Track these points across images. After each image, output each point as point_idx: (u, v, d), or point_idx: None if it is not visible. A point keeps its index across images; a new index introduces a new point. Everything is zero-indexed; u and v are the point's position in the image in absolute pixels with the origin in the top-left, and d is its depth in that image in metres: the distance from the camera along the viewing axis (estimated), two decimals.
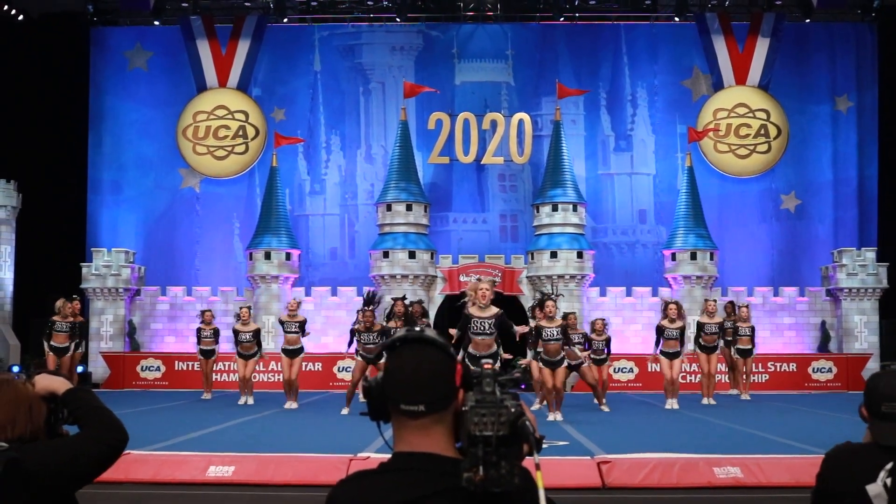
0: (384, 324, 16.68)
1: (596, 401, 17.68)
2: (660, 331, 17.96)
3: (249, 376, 19.19)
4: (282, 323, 18.55)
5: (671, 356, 17.91)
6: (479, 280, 13.77)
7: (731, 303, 22.02)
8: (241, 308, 19.44)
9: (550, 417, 14.90)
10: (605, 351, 18.47)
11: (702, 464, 8.84)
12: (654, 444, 10.28)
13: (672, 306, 17.89)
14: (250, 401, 18.77)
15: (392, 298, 18.22)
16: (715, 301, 20.00)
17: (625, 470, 8.72)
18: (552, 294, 16.32)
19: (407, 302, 17.17)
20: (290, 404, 17.90)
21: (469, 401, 2.19)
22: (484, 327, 13.46)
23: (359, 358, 16.49)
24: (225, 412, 16.38)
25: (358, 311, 17.00)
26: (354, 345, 16.66)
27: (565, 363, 15.67)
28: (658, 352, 18.03)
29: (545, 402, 16.13)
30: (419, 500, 2.20)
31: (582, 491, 8.39)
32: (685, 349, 18.32)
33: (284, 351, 18.31)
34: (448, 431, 2.28)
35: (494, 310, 13.62)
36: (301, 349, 18.35)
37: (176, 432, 11.83)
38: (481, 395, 2.19)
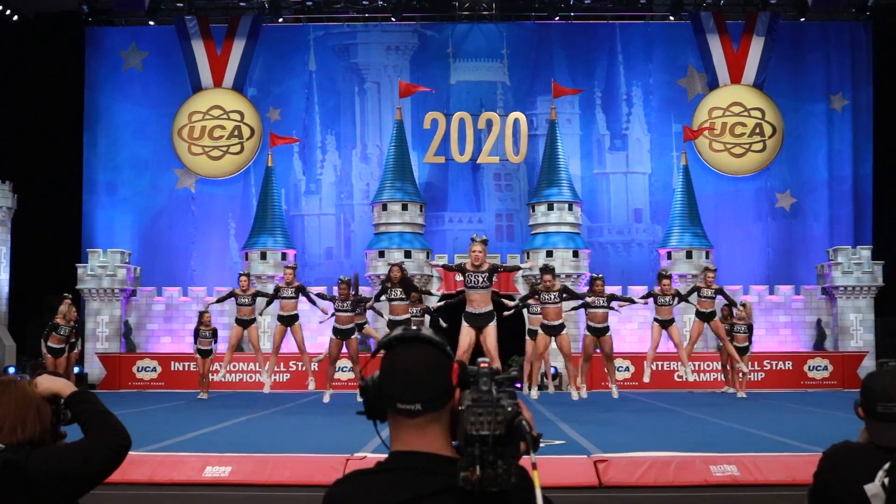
0: (359, 294, 17.55)
1: (611, 383, 17.67)
2: (654, 297, 17.99)
3: (235, 343, 19.05)
4: (278, 289, 18.21)
5: (665, 323, 17.90)
6: (473, 241, 13.92)
7: (728, 306, 21.93)
8: (241, 275, 19.16)
9: (575, 396, 15.36)
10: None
11: (698, 462, 8.84)
12: (651, 443, 10.28)
13: (666, 281, 17.98)
14: (267, 382, 18.72)
15: (389, 264, 18.19)
16: (714, 270, 19.61)
17: (621, 468, 8.72)
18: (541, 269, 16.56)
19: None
20: (312, 366, 18.42)
21: (465, 400, 2.19)
22: (478, 281, 13.85)
23: (333, 336, 17.12)
24: (221, 412, 16.37)
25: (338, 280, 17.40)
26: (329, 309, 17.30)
27: (565, 330, 15.97)
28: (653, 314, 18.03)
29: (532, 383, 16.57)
30: (416, 499, 2.20)
31: (578, 490, 8.39)
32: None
33: (280, 317, 18.10)
34: (445, 430, 2.28)
35: (488, 264, 14.03)
36: (296, 316, 18.09)
37: (172, 433, 11.82)
38: (478, 394, 2.19)
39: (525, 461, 2.17)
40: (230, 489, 8.63)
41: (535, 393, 15.28)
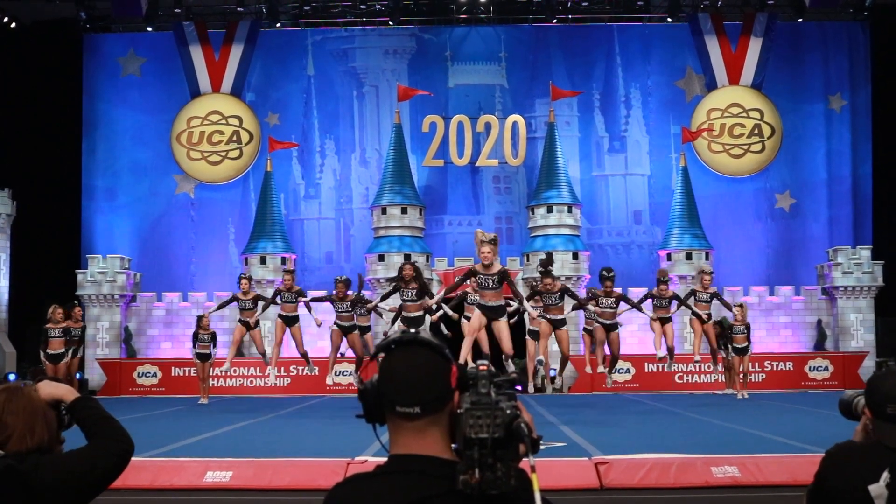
0: (360, 293, 18.04)
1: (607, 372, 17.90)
2: (652, 299, 18.32)
3: (239, 339, 19.26)
4: (278, 292, 18.37)
5: (662, 321, 18.21)
6: (481, 241, 14.09)
7: (721, 322, 21.97)
8: (241, 278, 19.19)
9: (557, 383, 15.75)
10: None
11: (699, 463, 8.84)
12: (652, 445, 10.28)
13: (663, 286, 18.21)
14: (272, 372, 18.99)
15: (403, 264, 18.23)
16: (711, 273, 19.77)
17: (622, 470, 8.72)
18: (539, 270, 16.80)
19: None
20: (311, 369, 18.81)
21: (464, 402, 2.19)
22: (489, 283, 14.18)
23: (334, 327, 17.90)
24: (222, 417, 16.36)
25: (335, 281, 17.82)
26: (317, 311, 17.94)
27: (566, 326, 16.41)
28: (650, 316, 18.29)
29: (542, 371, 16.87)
30: (415, 502, 2.20)
31: (579, 492, 8.39)
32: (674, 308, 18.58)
33: (281, 316, 18.29)
34: (444, 433, 2.27)
35: (498, 266, 14.29)
36: (297, 317, 18.33)
37: (173, 438, 11.81)
38: (477, 397, 2.18)
39: (524, 464, 2.17)
40: (231, 494, 8.62)
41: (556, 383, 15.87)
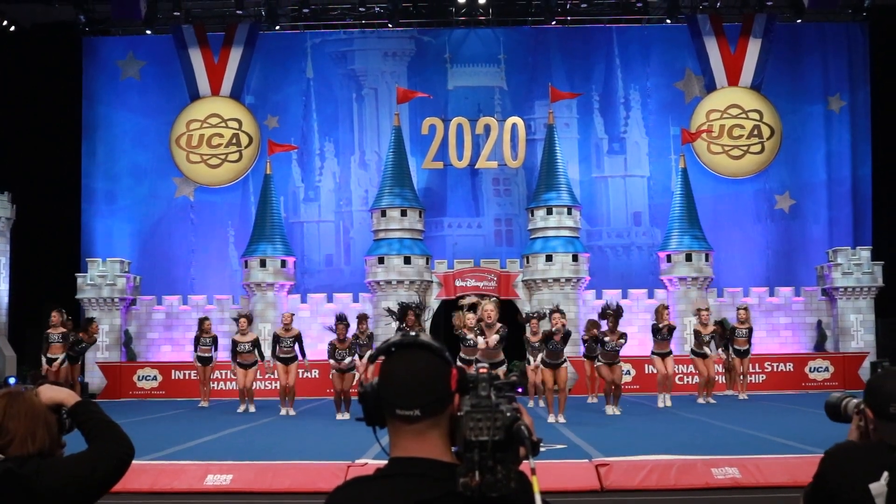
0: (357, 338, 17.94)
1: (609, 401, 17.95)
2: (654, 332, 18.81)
3: (250, 385, 19.29)
4: (277, 338, 18.52)
5: (663, 356, 18.57)
6: (481, 304, 14.61)
7: (722, 323, 22.11)
8: (239, 317, 19.34)
9: (551, 419, 15.23)
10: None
11: (700, 465, 8.84)
12: (652, 446, 10.28)
13: (664, 313, 18.69)
14: (251, 408, 18.90)
15: (400, 303, 18.01)
16: (708, 310, 20.27)
17: (623, 472, 8.72)
18: (532, 315, 17.28)
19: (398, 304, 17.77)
20: (287, 411, 17.96)
21: (464, 405, 2.19)
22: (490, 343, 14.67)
23: (334, 371, 17.64)
24: (222, 420, 16.36)
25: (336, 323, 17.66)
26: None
27: (566, 364, 16.36)
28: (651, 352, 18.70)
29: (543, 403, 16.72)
30: None
31: (580, 494, 8.39)
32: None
33: (279, 358, 18.35)
34: (444, 436, 2.28)
35: (497, 325, 14.72)
36: (295, 357, 18.41)
37: (173, 441, 11.81)
38: (477, 400, 2.19)
39: (525, 466, 2.17)
40: (232, 497, 8.62)
41: (560, 418, 15.62)
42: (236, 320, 19.36)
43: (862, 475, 3.15)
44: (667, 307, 19.46)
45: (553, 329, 16.05)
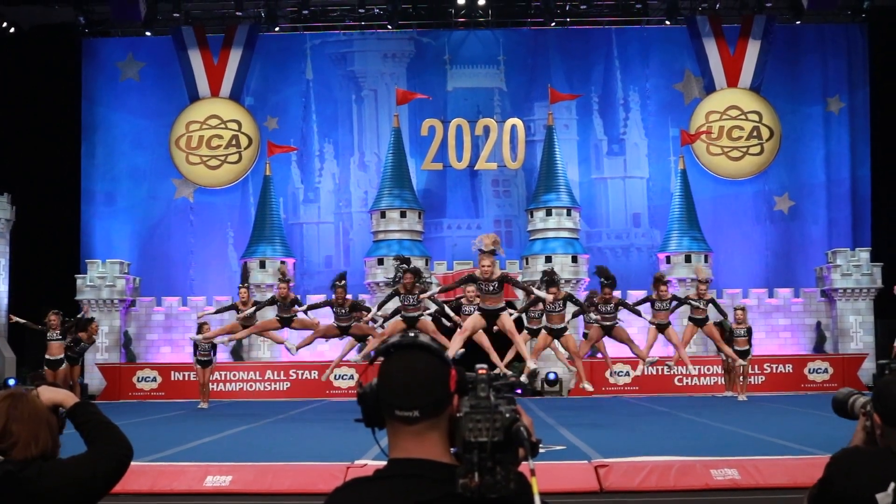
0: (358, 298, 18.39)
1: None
2: (651, 302, 18.03)
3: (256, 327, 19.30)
4: (275, 302, 18.43)
5: (661, 327, 18.05)
6: (481, 254, 14.20)
7: (721, 324, 21.99)
8: (240, 288, 19.20)
9: (589, 388, 16.75)
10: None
11: (699, 466, 8.84)
12: (651, 448, 10.28)
13: (663, 287, 18.08)
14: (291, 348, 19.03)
15: (397, 264, 18.12)
16: (706, 282, 19.82)
17: (622, 473, 8.72)
18: (545, 280, 16.75)
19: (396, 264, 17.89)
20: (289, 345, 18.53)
21: (464, 406, 2.19)
22: (490, 288, 14.35)
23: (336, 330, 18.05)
24: (221, 422, 16.35)
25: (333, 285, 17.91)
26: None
27: (569, 330, 16.71)
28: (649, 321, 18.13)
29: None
30: None
31: (579, 495, 8.39)
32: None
33: (279, 318, 18.41)
34: (443, 437, 2.28)
35: (498, 272, 14.46)
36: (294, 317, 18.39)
37: (173, 443, 11.81)
38: (476, 401, 2.19)
39: (524, 467, 2.17)
40: (231, 499, 8.62)
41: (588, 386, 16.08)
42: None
43: (869, 484, 3.11)
44: (666, 281, 18.66)
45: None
